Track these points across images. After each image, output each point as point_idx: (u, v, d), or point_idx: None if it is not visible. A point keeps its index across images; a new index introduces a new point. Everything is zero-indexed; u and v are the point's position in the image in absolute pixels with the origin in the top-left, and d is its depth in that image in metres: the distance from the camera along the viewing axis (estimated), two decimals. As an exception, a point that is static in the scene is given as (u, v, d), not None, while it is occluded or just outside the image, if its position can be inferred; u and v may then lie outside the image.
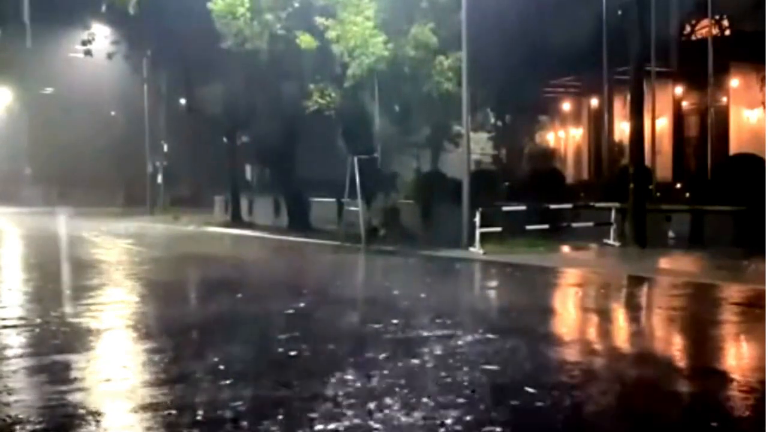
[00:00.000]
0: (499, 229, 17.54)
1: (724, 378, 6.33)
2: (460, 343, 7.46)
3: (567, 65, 25.40)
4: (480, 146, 30.30)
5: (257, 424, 4.97)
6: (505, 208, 18.74)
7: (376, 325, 8.33)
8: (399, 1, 19.02)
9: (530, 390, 5.75)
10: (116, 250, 19.47)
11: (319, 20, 18.78)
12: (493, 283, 13.76)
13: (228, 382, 5.99)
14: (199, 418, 5.14)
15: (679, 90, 25.38)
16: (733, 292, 11.23)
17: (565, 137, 30.92)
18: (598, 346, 7.82)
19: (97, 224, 29.19)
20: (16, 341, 7.80)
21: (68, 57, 38.06)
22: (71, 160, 46.53)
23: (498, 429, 4.89)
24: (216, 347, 7.28)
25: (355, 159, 19.51)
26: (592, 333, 8.82)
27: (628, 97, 18.57)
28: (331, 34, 18.61)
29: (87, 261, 16.47)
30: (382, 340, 7.69)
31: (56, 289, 11.71)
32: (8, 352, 7.17)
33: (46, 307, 9.76)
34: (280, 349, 7.16)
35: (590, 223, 18.24)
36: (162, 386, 5.87)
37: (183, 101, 33.25)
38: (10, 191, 48.10)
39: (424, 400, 5.45)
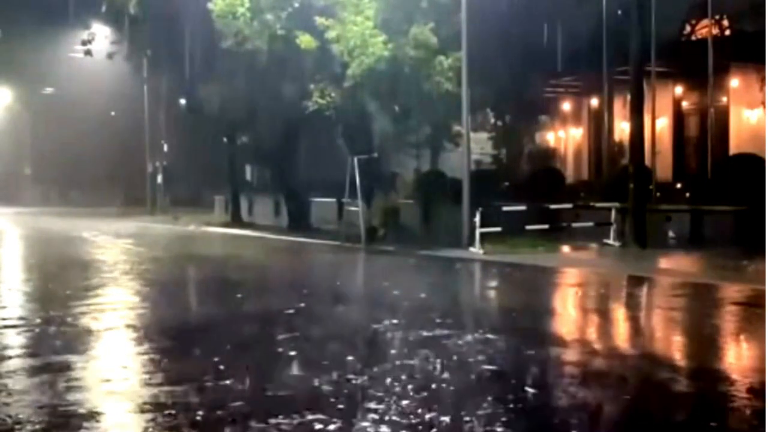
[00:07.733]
0: (499, 229, 17.52)
1: (723, 378, 6.33)
2: (460, 342, 7.47)
3: (567, 65, 25.40)
4: (480, 146, 30.23)
5: (257, 424, 4.97)
6: (505, 208, 18.72)
7: (376, 325, 8.33)
8: (399, 1, 19.01)
9: (530, 390, 5.76)
10: (116, 250, 19.45)
11: (319, 20, 18.78)
12: (493, 283, 13.76)
13: (228, 382, 6.00)
14: (198, 418, 5.14)
15: (679, 90, 25.37)
16: (733, 292, 11.23)
17: (565, 137, 30.90)
18: (598, 346, 7.82)
19: (97, 224, 29.20)
20: (16, 341, 7.80)
21: (68, 57, 38.12)
22: (71, 160, 46.55)
23: (498, 429, 4.89)
24: (216, 347, 7.28)
25: (355, 159, 19.50)
26: (592, 333, 8.82)
27: (628, 97, 18.56)
28: (331, 34, 18.61)
29: (87, 261, 16.48)
30: (382, 339, 7.69)
31: (56, 289, 11.71)
32: (8, 352, 7.17)
33: (46, 307, 9.76)
34: (280, 349, 7.17)
35: (590, 223, 18.23)
36: (162, 386, 5.88)
37: (183, 101, 33.22)
38: (11, 191, 48.18)
39: (423, 399, 5.45)
